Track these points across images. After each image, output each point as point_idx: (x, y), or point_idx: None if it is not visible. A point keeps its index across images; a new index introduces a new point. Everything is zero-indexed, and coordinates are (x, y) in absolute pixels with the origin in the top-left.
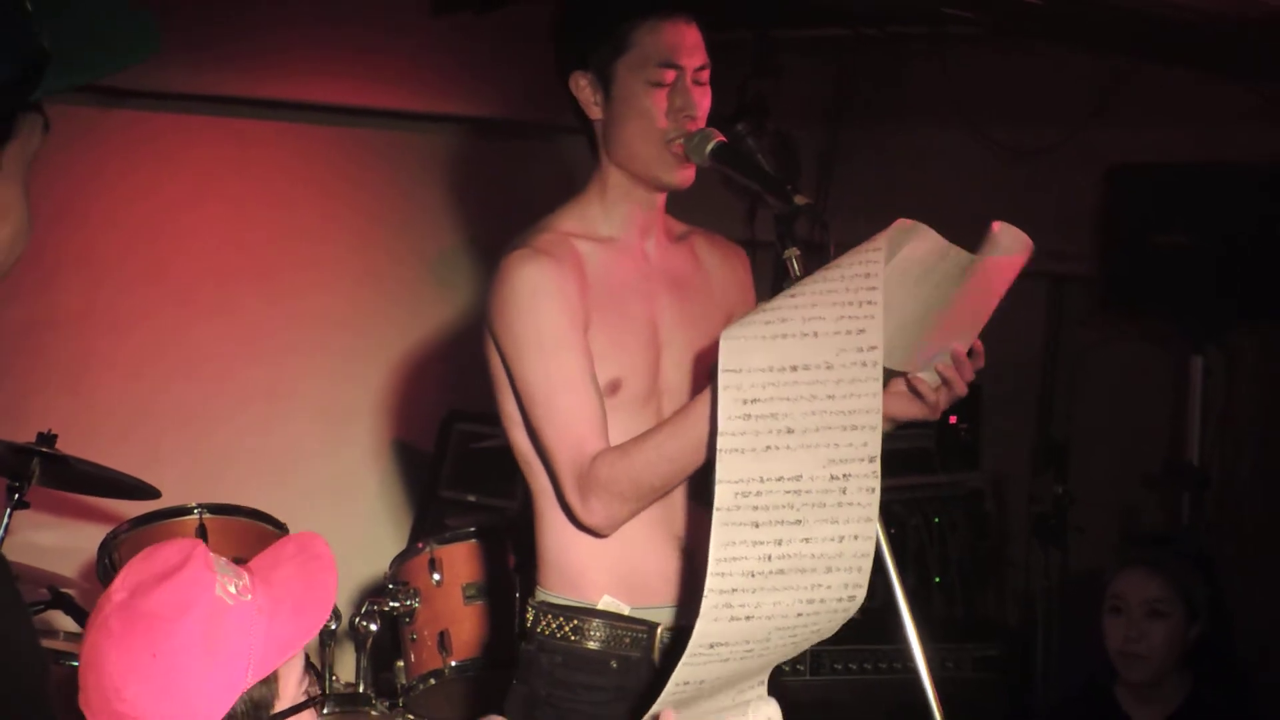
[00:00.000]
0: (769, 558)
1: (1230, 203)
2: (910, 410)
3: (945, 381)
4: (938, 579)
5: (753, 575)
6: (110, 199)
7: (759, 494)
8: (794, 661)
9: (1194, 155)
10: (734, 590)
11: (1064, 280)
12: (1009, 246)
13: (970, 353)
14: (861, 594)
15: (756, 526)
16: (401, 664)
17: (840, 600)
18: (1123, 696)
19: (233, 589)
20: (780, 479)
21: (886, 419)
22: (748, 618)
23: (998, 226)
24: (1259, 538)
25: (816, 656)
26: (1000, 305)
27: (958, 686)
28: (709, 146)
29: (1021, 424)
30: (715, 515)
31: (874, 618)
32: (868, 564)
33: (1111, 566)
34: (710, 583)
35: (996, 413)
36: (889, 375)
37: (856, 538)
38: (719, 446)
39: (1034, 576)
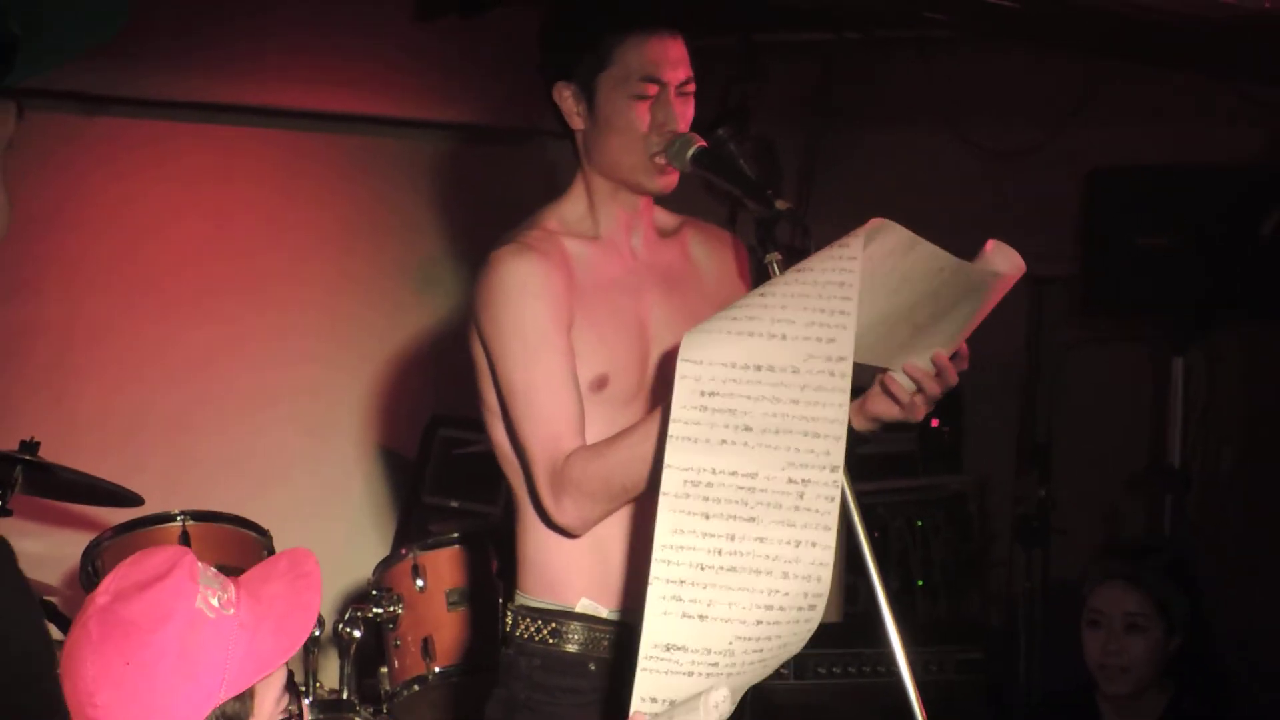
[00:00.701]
0: (719, 552)
1: (1210, 204)
2: (890, 411)
3: (921, 387)
4: (920, 582)
5: (702, 568)
6: (93, 207)
7: (710, 485)
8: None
9: (1173, 156)
10: (681, 581)
11: (1045, 282)
12: (1002, 265)
13: (954, 356)
14: (822, 604)
15: (707, 518)
16: (385, 670)
17: (800, 609)
18: (1103, 706)
19: (215, 602)
20: (734, 473)
21: (871, 418)
22: (701, 616)
23: (991, 246)
24: (1240, 539)
25: (800, 660)
26: None
27: (941, 689)
28: (690, 152)
29: (1004, 426)
30: (661, 500)
31: (857, 621)
32: (827, 574)
33: (1089, 579)
34: (655, 570)
35: (979, 415)
36: (870, 371)
37: (814, 545)
38: (670, 433)
39: (1017, 579)
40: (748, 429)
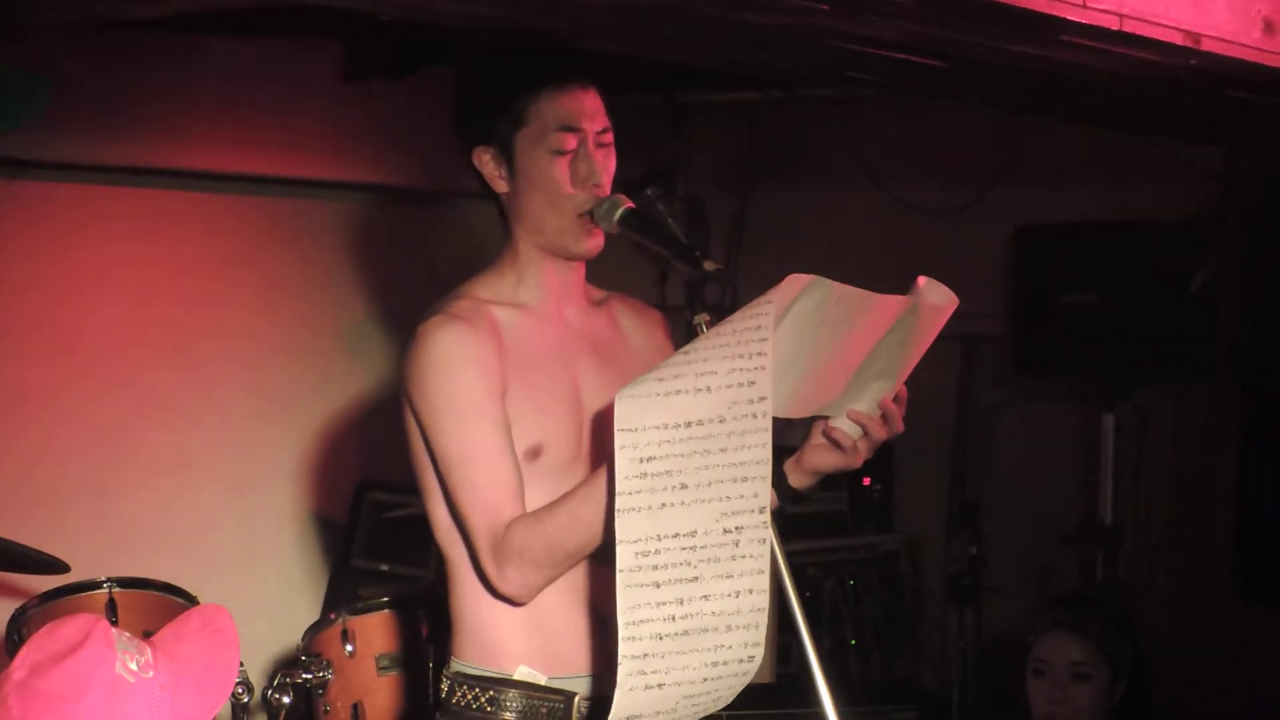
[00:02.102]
0: (673, 618)
1: (1139, 262)
2: (831, 461)
3: (866, 432)
4: (853, 641)
5: (660, 638)
6: (13, 271)
7: (657, 552)
8: None
9: (1102, 214)
10: (645, 655)
11: (975, 340)
12: (933, 298)
13: (895, 399)
14: (760, 653)
15: (658, 587)
16: None
17: (741, 661)
18: None
19: (134, 665)
20: (676, 535)
21: (810, 472)
22: (660, 685)
23: (923, 281)
24: (1170, 596)
25: None
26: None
27: None
28: (617, 214)
29: (935, 485)
30: (618, 578)
31: (790, 682)
32: (764, 620)
33: (1033, 629)
34: (622, 649)
35: (909, 473)
36: (801, 429)
37: (751, 591)
38: (617, 507)
39: (950, 637)
40: (683, 487)
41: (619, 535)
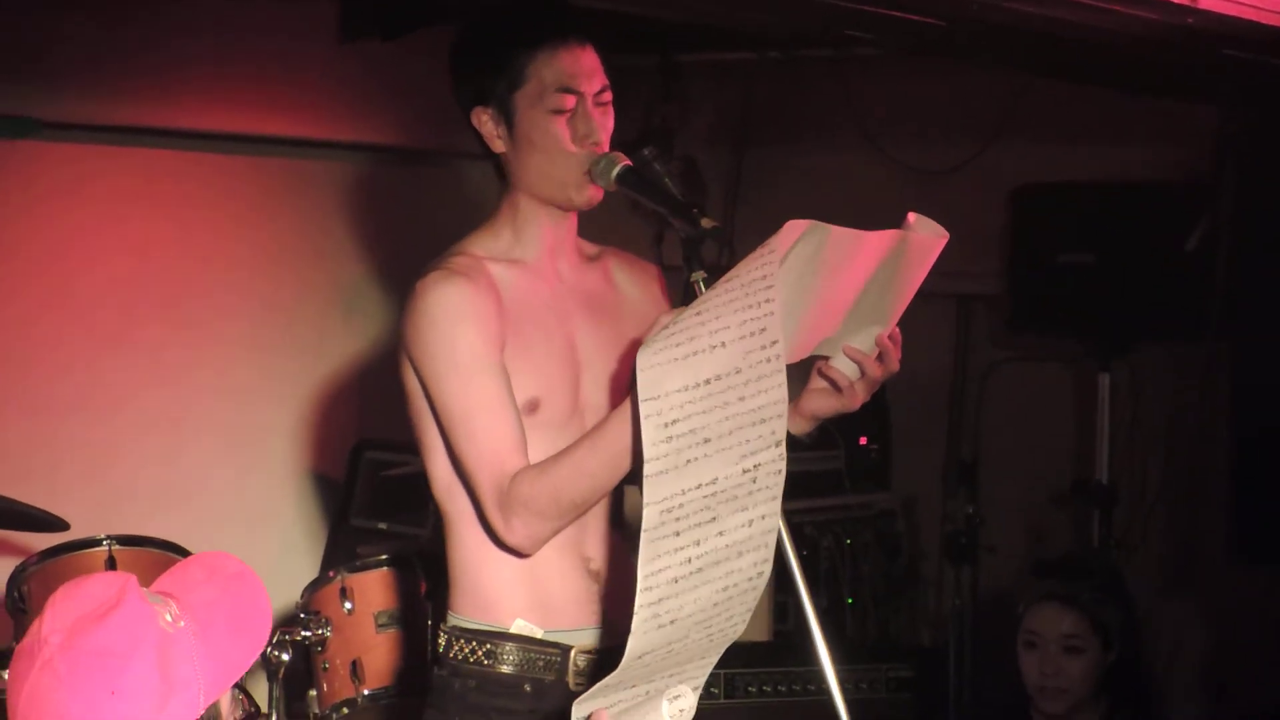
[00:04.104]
0: (689, 560)
1: (1134, 221)
2: (829, 404)
3: (863, 371)
4: (850, 600)
5: (676, 581)
6: (11, 230)
7: (680, 506)
8: (707, 684)
9: (1098, 173)
10: (661, 600)
11: (971, 300)
12: (923, 234)
13: (890, 338)
14: (768, 569)
15: (678, 535)
16: (314, 693)
17: (750, 579)
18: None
19: (168, 618)
20: (699, 486)
21: (809, 417)
22: (673, 621)
23: (913, 217)
24: (1165, 554)
25: (730, 679)
26: (908, 327)
27: (871, 708)
28: (615, 171)
29: (931, 444)
30: (643, 536)
31: (787, 639)
32: (773, 540)
33: (1023, 599)
34: (640, 598)
35: (906, 433)
36: (796, 381)
37: (764, 517)
38: (645, 472)
39: (946, 596)
40: (706, 441)
41: (647, 498)
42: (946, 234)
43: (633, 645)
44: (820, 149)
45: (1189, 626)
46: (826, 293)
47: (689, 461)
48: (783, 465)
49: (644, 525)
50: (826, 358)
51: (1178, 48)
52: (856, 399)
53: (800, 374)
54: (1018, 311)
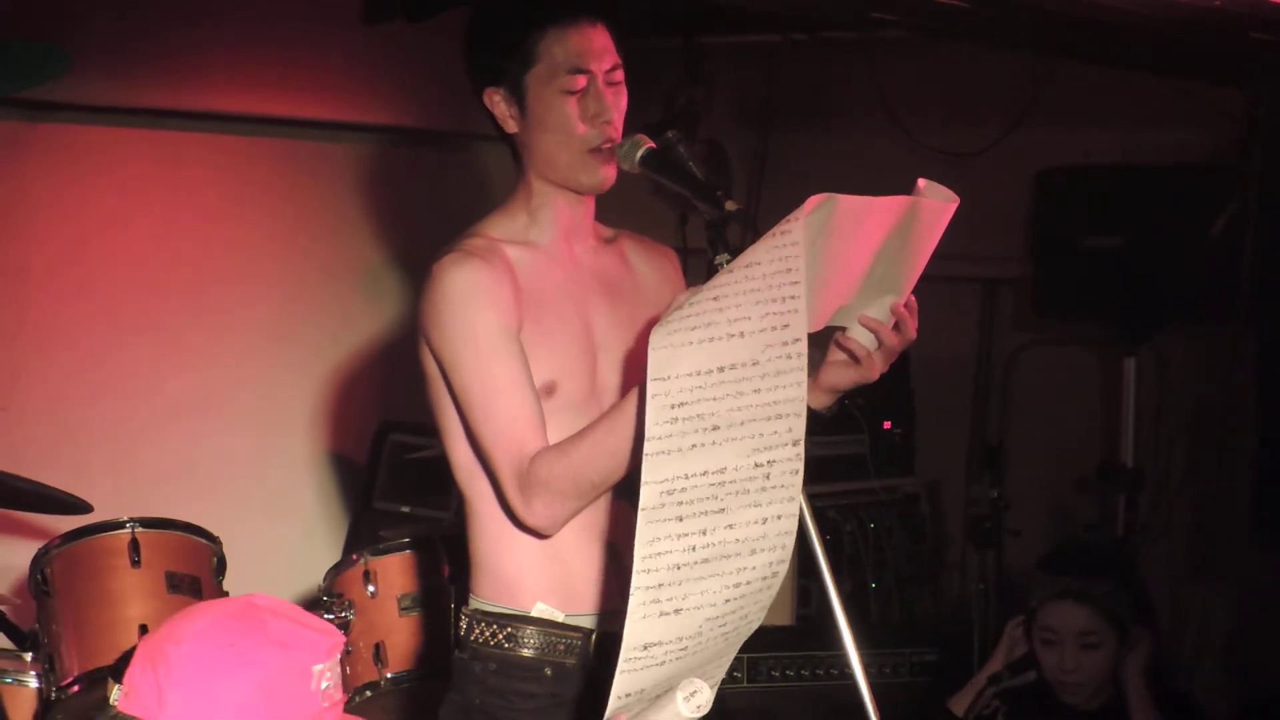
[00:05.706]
0: (694, 548)
1: (1160, 205)
2: (848, 376)
3: (880, 340)
4: (874, 584)
5: (678, 568)
6: (38, 214)
7: (683, 490)
8: (731, 669)
9: (1123, 157)
10: (660, 585)
11: (996, 283)
12: (934, 199)
13: (905, 306)
14: (784, 570)
15: (680, 520)
16: None
17: (765, 579)
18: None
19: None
20: (705, 473)
21: (827, 390)
22: (676, 611)
23: (923, 183)
24: (1192, 537)
25: (753, 663)
26: (932, 310)
27: (895, 692)
28: (639, 154)
29: (956, 428)
30: (640, 515)
31: (810, 624)
32: (790, 542)
33: (1037, 594)
34: (636, 580)
35: (930, 417)
36: (820, 348)
37: (780, 517)
38: (646, 451)
39: (970, 580)
40: (715, 428)
41: (645, 477)
42: (957, 199)
43: (633, 630)
44: (845, 132)
45: (1214, 610)
46: (839, 260)
47: (694, 446)
48: (800, 466)
49: (641, 504)
50: (843, 329)
51: (1205, 30)
52: (875, 369)
53: (819, 348)
54: (1043, 295)
